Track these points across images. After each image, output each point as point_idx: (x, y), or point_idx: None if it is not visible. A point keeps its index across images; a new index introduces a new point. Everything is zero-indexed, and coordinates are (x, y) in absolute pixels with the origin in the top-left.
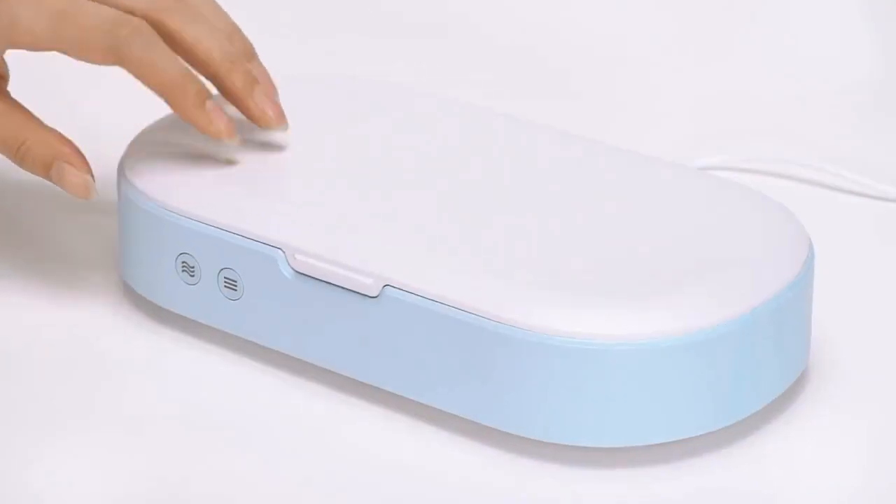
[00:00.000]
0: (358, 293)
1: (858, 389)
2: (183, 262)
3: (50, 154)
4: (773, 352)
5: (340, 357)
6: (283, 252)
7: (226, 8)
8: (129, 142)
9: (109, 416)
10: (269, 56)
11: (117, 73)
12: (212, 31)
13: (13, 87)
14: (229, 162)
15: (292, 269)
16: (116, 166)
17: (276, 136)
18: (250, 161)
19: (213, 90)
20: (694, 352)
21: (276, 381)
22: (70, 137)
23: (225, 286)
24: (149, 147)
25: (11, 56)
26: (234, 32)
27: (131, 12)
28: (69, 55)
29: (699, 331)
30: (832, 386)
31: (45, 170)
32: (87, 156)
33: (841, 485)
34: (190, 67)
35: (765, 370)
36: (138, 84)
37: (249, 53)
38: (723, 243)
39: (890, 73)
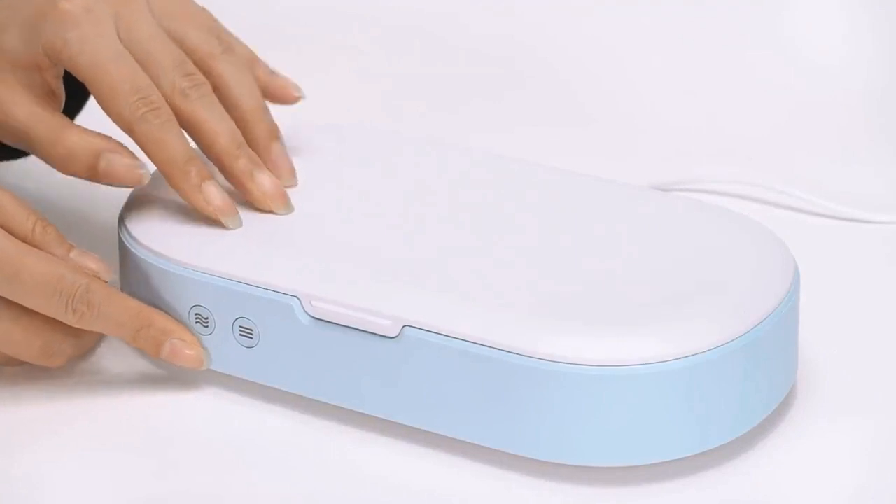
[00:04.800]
0: (377, 335)
1: (844, 404)
2: (196, 315)
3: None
4: (766, 371)
5: (362, 397)
6: (299, 299)
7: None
8: (126, 198)
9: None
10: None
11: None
12: (221, 120)
13: None
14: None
15: (309, 315)
16: (116, 221)
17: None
18: (254, 211)
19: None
20: (695, 373)
21: (284, 411)
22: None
23: (240, 335)
24: (149, 201)
25: None
26: (261, 111)
27: (192, 51)
28: (94, 96)
29: (699, 353)
30: (819, 402)
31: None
32: (83, 214)
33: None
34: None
35: (759, 387)
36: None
37: (273, 133)
38: (715, 268)
39: (847, 99)
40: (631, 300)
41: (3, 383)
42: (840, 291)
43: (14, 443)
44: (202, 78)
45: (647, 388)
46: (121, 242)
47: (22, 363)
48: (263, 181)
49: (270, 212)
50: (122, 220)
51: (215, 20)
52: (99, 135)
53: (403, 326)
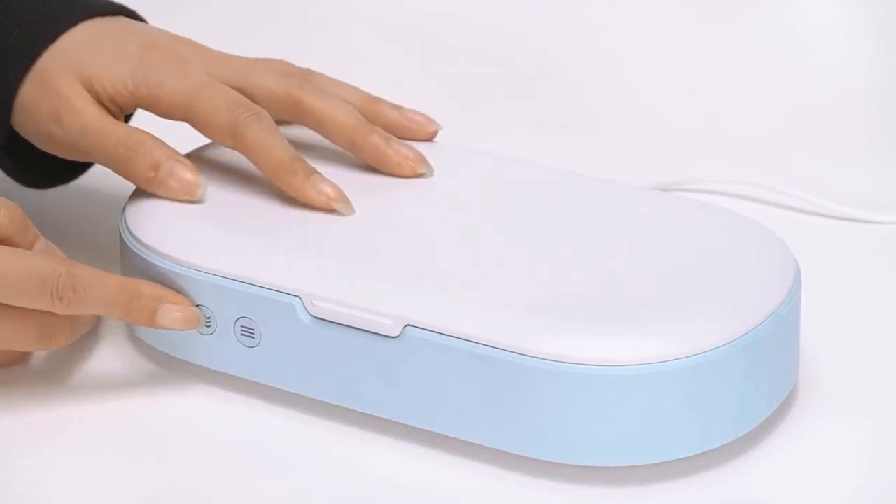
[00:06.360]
0: (379, 334)
1: (844, 404)
2: None
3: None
4: (767, 371)
5: (363, 397)
6: (301, 299)
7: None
8: (127, 197)
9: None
10: None
11: None
12: (341, 104)
13: None
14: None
15: (310, 314)
16: (118, 221)
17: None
18: (256, 210)
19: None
20: (697, 373)
21: (285, 411)
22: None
23: (242, 334)
24: (151, 201)
25: None
26: (357, 93)
27: (269, 91)
28: (195, 127)
29: (700, 353)
30: (820, 402)
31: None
32: (87, 214)
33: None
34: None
35: (760, 388)
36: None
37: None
38: (716, 268)
39: (847, 99)
40: (631, 300)
41: (2, 386)
42: (840, 291)
43: (18, 445)
44: (307, 74)
45: (648, 388)
46: (122, 242)
47: (25, 361)
48: (401, 148)
49: (412, 176)
50: (123, 219)
51: (287, 62)
52: (167, 144)
53: (405, 326)
